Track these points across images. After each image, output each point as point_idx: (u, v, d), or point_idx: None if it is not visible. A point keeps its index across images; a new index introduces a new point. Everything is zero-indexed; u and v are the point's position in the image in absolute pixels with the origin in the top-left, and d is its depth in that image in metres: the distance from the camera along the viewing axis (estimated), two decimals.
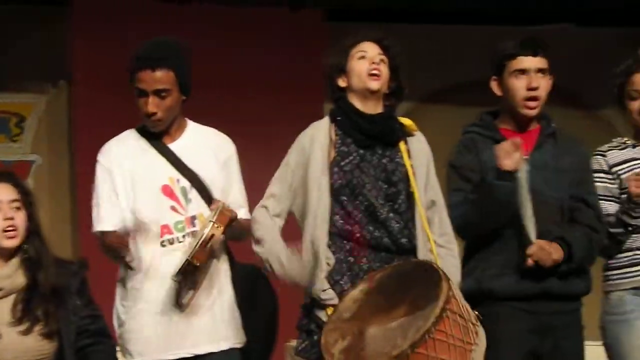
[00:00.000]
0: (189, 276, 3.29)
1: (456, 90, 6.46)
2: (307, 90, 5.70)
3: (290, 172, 3.39)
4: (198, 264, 3.21)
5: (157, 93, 3.35)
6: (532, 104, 3.53)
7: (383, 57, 3.38)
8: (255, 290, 3.48)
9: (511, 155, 3.38)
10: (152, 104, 3.35)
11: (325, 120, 3.44)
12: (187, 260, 3.21)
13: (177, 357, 3.35)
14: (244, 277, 3.47)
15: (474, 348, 2.98)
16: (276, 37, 6.01)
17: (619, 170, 3.71)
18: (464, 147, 3.60)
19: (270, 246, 3.32)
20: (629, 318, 3.62)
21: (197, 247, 3.20)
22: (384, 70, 3.38)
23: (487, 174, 3.49)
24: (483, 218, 3.45)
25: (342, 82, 3.41)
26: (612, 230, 3.63)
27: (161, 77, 3.35)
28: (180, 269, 3.24)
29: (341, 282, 3.28)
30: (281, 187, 3.39)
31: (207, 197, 3.39)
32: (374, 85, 3.36)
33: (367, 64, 3.36)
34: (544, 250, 3.41)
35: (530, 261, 3.42)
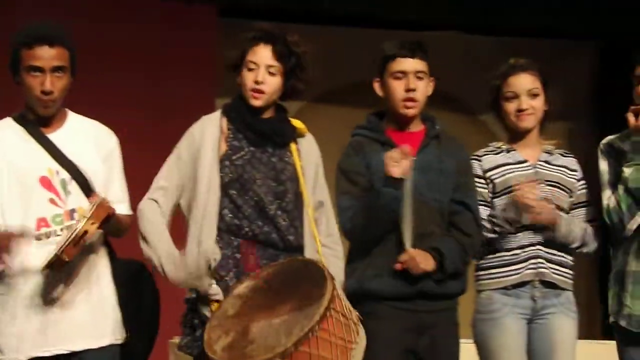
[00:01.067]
0: (61, 271, 3.16)
1: (347, 91, 6.53)
2: (199, 84, 5.69)
3: (181, 164, 3.33)
4: (68, 260, 3.08)
5: (55, 70, 3.18)
6: (410, 104, 3.57)
7: (274, 66, 3.34)
8: (137, 286, 3.41)
9: (399, 163, 3.41)
10: (50, 82, 3.18)
11: (217, 114, 3.40)
12: (55, 255, 3.07)
13: (53, 354, 3.22)
14: (126, 272, 3.38)
15: (355, 346, 3.01)
16: (170, 29, 5.94)
17: (492, 175, 3.76)
18: (352, 149, 3.62)
19: (156, 245, 3.27)
20: (497, 316, 3.68)
21: (67, 242, 3.06)
22: (272, 82, 3.34)
23: (374, 177, 3.52)
24: (370, 223, 3.48)
25: (238, 79, 3.39)
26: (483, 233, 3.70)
27: (59, 54, 3.19)
28: (47, 263, 3.10)
29: (227, 278, 3.25)
30: (170, 179, 3.34)
31: (88, 190, 3.25)
32: (256, 103, 3.34)
33: (252, 78, 3.33)
34: (414, 260, 3.46)
35: (398, 266, 3.47)
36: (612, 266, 3.71)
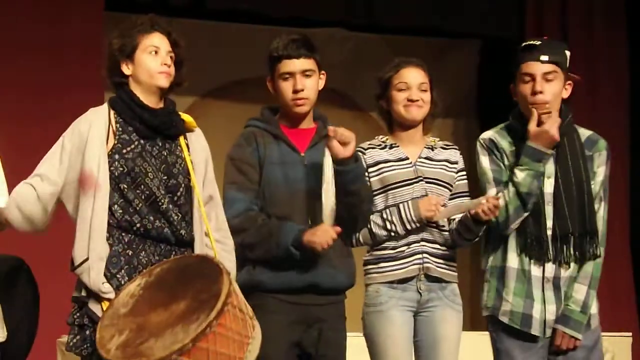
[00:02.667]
0: None
1: (238, 87, 6.49)
2: (86, 77, 5.57)
3: (65, 155, 3.23)
4: None
5: None
6: (300, 102, 3.55)
7: (172, 53, 3.32)
8: (15, 283, 3.33)
9: (321, 237, 3.42)
10: None
11: (105, 107, 3.32)
12: None
13: None
14: (3, 269, 3.30)
15: (251, 341, 2.99)
16: (56, 22, 5.77)
17: (371, 172, 3.77)
18: (244, 140, 3.59)
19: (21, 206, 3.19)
20: (384, 309, 3.70)
21: None
22: (173, 69, 3.31)
23: (265, 168, 3.51)
24: (258, 248, 3.49)
25: (126, 69, 3.30)
26: (374, 228, 3.73)
27: None
28: None
29: (118, 275, 3.17)
30: (50, 169, 3.23)
31: None
32: (164, 83, 3.30)
33: (159, 61, 3.29)
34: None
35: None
36: (486, 261, 3.73)
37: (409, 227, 3.72)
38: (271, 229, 3.48)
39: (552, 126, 3.55)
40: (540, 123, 3.58)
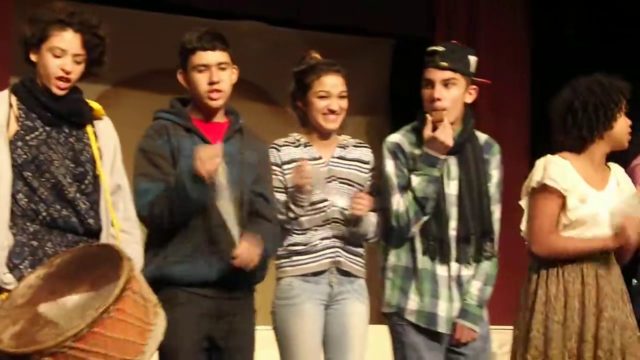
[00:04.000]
0: None
1: (152, 77, 6.41)
2: None
3: None
4: None
5: None
6: (215, 95, 3.50)
7: (80, 55, 3.21)
8: None
9: (210, 161, 3.33)
10: None
11: (6, 93, 3.22)
12: None
13: None
14: None
15: (153, 328, 2.94)
16: None
17: (285, 169, 3.76)
18: (154, 131, 3.51)
19: None
20: (296, 302, 3.71)
21: None
22: (77, 70, 3.22)
23: (177, 161, 3.44)
24: (173, 215, 3.40)
25: (33, 57, 3.23)
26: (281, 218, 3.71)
27: None
28: None
29: (21, 266, 3.10)
30: None
31: None
32: (60, 92, 3.21)
33: (59, 65, 3.19)
34: (250, 250, 3.41)
35: (236, 262, 3.39)
36: (387, 259, 3.76)
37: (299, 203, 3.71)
38: (174, 192, 3.39)
39: (443, 133, 3.59)
40: (434, 129, 3.63)
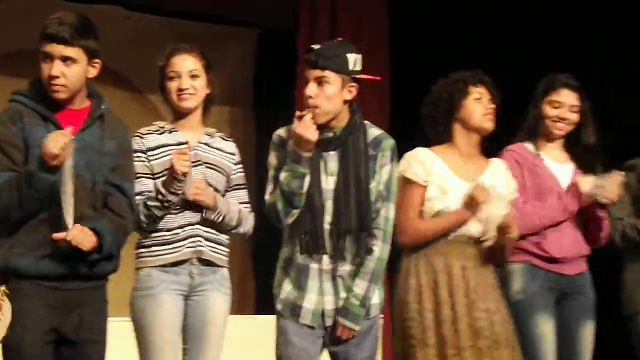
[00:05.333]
0: None
1: (9, 58, 6.22)
2: None
3: None
4: None
5: None
6: (56, 88, 3.38)
7: None
8: None
9: (55, 146, 3.22)
10: None
11: None
12: None
13: None
14: None
15: None
16: None
17: (151, 155, 3.73)
18: (8, 117, 3.38)
19: None
20: (154, 292, 3.67)
21: None
22: None
23: (32, 152, 3.32)
24: (22, 206, 3.29)
25: None
26: (150, 204, 3.68)
27: None
28: None
29: None
30: None
31: None
32: None
33: None
34: (82, 234, 3.32)
35: (60, 236, 3.30)
36: (281, 250, 3.77)
37: (164, 198, 3.68)
38: (21, 181, 3.27)
39: (300, 127, 3.59)
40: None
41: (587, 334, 4.25)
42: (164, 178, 3.71)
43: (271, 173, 3.73)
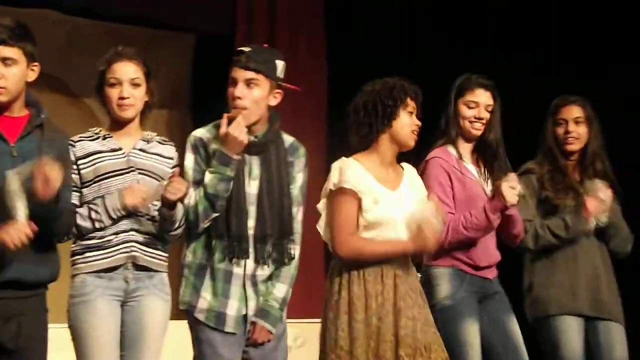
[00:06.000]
0: None
1: None
2: None
3: None
4: None
5: None
6: None
7: None
8: None
9: (13, 234, 3.22)
10: None
11: None
12: None
13: None
14: None
15: None
16: None
17: (81, 164, 3.69)
18: None
19: None
20: (89, 299, 3.63)
21: None
22: None
23: None
24: None
25: None
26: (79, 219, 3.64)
27: None
28: None
29: None
30: None
31: None
32: None
33: None
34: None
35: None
36: (185, 255, 3.76)
37: (114, 216, 3.66)
38: None
39: (236, 129, 3.60)
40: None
41: (516, 326, 4.25)
42: (115, 195, 3.66)
43: (190, 175, 3.70)
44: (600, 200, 4.36)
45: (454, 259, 4.20)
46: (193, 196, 3.67)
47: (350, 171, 3.78)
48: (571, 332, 4.41)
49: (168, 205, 3.63)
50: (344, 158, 3.84)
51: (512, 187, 4.08)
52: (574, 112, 4.53)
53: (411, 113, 3.85)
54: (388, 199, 3.81)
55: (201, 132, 3.75)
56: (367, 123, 3.82)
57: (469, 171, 4.28)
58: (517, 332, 4.23)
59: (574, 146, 4.52)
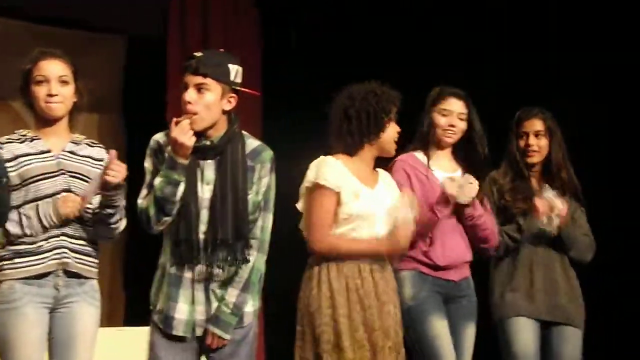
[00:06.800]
0: None
1: None
2: None
3: None
4: None
5: None
6: None
7: None
8: None
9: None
10: None
11: None
12: None
13: None
14: None
15: None
16: None
17: (9, 166, 3.62)
18: None
19: None
20: (17, 306, 3.58)
21: None
22: None
23: None
24: None
25: None
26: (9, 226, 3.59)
27: None
28: None
29: None
30: None
31: None
32: None
33: None
34: None
35: None
36: (160, 258, 3.73)
37: (47, 225, 3.62)
38: None
39: (176, 132, 3.56)
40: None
41: (469, 335, 4.39)
42: (50, 204, 3.62)
43: (147, 178, 3.68)
44: (550, 200, 4.51)
45: (415, 261, 4.33)
46: (146, 199, 3.64)
47: (327, 168, 3.89)
48: (525, 332, 4.54)
49: (109, 189, 3.62)
50: (322, 156, 3.94)
51: (452, 180, 4.25)
52: (535, 125, 4.67)
53: (395, 121, 4.00)
54: (368, 195, 3.92)
55: (159, 136, 3.72)
56: (357, 132, 3.96)
57: (436, 178, 4.39)
58: (466, 344, 4.37)
59: (534, 159, 4.67)
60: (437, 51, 6.10)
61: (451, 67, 5.61)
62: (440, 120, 4.43)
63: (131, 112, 6.80)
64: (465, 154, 4.45)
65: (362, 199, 3.89)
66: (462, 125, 4.45)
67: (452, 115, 4.42)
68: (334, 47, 6.48)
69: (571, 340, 4.60)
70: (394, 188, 4.07)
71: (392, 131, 4.00)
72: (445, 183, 4.27)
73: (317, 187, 3.88)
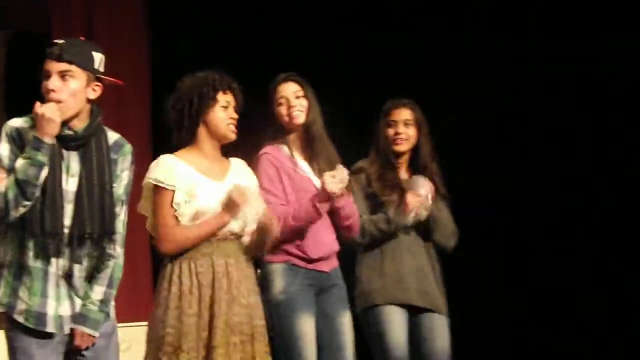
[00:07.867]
0: None
1: None
2: None
3: None
4: None
5: None
6: None
7: None
8: None
9: None
10: None
11: None
12: None
13: None
14: None
15: None
16: None
17: None
18: None
19: None
20: None
21: None
22: None
23: None
24: None
25: None
26: None
27: None
28: None
29: None
30: None
31: None
32: None
33: None
34: None
35: None
36: (4, 254, 3.59)
37: None
38: None
39: (48, 110, 3.47)
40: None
41: (347, 322, 4.40)
42: None
43: (5, 162, 3.53)
44: (420, 195, 4.59)
45: (287, 254, 4.32)
46: (5, 183, 3.50)
47: (161, 168, 3.87)
48: (396, 322, 4.57)
49: None
50: (160, 155, 3.92)
51: (332, 176, 4.26)
52: (404, 114, 4.79)
53: (225, 107, 3.95)
54: (209, 190, 3.88)
55: (17, 122, 3.59)
56: (181, 120, 3.95)
57: (300, 167, 4.41)
58: (345, 329, 4.37)
59: (403, 147, 4.77)
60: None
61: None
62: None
63: (13, 107, 6.61)
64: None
65: (201, 195, 3.87)
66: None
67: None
68: (225, 41, 6.44)
69: (441, 327, 4.66)
70: (249, 178, 4.05)
71: (219, 115, 3.96)
72: (326, 180, 4.26)
73: (154, 187, 3.88)
